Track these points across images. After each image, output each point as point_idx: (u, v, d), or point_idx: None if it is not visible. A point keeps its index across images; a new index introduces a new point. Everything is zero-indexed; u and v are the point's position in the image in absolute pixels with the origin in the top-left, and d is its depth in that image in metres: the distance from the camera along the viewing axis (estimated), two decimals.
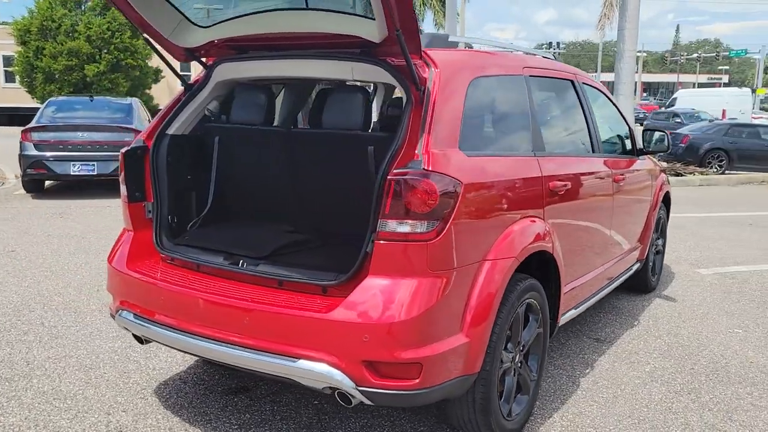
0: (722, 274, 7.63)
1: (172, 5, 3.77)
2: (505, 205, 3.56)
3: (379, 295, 3.05)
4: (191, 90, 4.06)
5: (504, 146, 3.97)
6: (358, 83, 3.92)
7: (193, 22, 3.90)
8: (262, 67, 3.88)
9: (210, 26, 3.91)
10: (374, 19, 3.27)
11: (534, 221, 3.76)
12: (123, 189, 3.97)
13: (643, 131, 6.07)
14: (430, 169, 3.02)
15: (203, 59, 4.12)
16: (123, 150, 3.96)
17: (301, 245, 3.81)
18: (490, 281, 3.30)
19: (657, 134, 5.98)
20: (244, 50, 3.96)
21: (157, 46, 3.93)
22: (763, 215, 12.10)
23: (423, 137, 3.11)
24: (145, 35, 3.83)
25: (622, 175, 5.36)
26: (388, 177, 2.98)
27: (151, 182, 3.91)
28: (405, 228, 3.02)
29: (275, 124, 4.12)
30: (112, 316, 3.96)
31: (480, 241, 3.32)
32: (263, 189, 4.19)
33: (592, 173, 4.80)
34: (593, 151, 5.05)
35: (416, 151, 3.08)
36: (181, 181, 4.07)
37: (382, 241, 3.05)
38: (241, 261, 3.57)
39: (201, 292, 3.46)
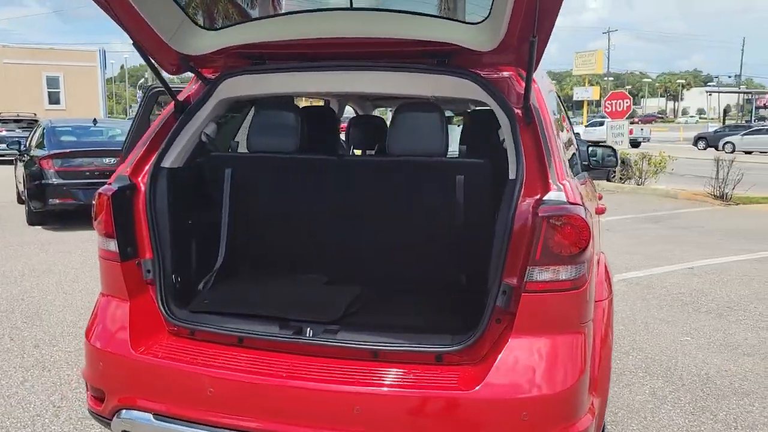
0: (626, 281, 8.03)
1: (175, 1, 2.90)
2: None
3: (535, 361, 2.53)
4: (187, 110, 3.16)
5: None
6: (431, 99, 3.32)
7: (197, 24, 3.04)
8: (296, 81, 3.12)
9: (222, 29, 3.07)
10: (474, 23, 2.75)
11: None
12: (106, 243, 2.96)
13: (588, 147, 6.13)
14: (574, 202, 2.57)
15: (199, 70, 3.25)
16: (104, 190, 2.95)
17: (375, 301, 3.11)
18: (607, 328, 2.93)
19: (602, 150, 6.05)
20: (261, 59, 3.17)
21: (150, 55, 3.00)
22: (609, 219, 13.20)
23: (553, 164, 2.65)
24: (134, 41, 2.88)
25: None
26: (541, 214, 2.47)
27: (148, 232, 2.96)
28: (557, 275, 2.53)
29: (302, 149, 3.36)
30: (100, 417, 2.91)
31: (595, 284, 2.93)
32: (297, 231, 3.40)
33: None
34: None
35: (549, 182, 2.60)
36: (183, 227, 3.15)
37: (530, 294, 2.52)
38: (306, 329, 2.80)
39: (269, 376, 2.63)
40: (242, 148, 3.41)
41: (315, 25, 2.96)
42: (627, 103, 20.77)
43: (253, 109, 3.67)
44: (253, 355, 2.76)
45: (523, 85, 2.93)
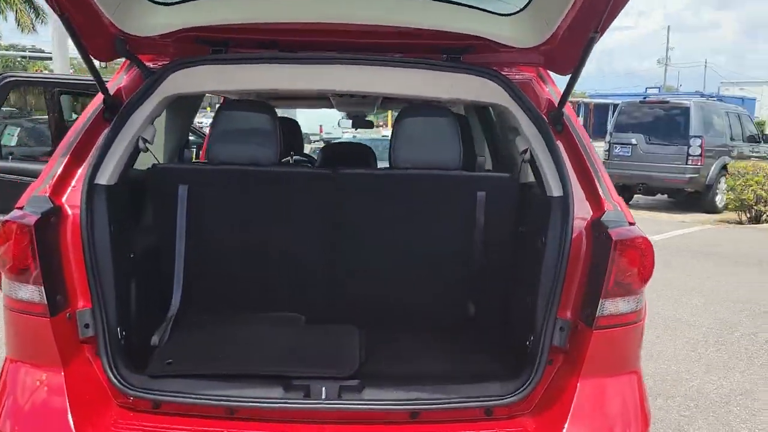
0: None
1: None
2: None
3: (610, 408, 2.20)
4: (122, 110, 2.40)
5: None
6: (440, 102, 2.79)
7: None
8: (271, 76, 2.48)
9: (177, 3, 2.37)
10: (506, 15, 2.37)
11: None
12: (22, 290, 2.14)
13: None
14: (633, 222, 2.27)
15: (136, 56, 2.50)
16: (18, 217, 2.12)
17: (388, 345, 2.56)
18: None
19: None
20: (221, 45, 2.51)
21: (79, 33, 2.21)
22: None
23: (602, 178, 2.33)
24: (63, 12, 2.10)
25: None
26: (615, 238, 2.12)
27: (84, 272, 2.18)
28: (625, 307, 2.20)
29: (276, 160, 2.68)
30: None
31: None
32: (275, 261, 2.72)
33: None
34: None
35: (602, 198, 2.27)
36: (127, 263, 2.38)
37: (601, 330, 2.16)
38: (317, 388, 2.20)
39: None
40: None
41: (298, 6, 2.38)
42: None
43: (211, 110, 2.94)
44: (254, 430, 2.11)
45: (546, 89, 2.60)
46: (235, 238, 2.62)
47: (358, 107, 5.10)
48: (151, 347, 2.38)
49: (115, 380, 2.15)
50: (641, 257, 2.15)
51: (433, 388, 2.21)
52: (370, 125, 7.46)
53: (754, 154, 15.11)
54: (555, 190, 2.34)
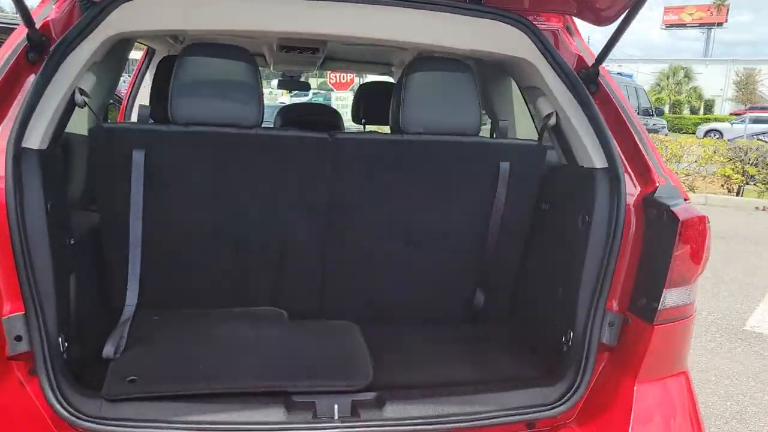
0: None
1: None
2: None
3: (669, 415, 1.90)
4: (54, 50, 1.82)
5: None
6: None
7: None
8: (252, 12, 1.95)
9: None
10: None
11: None
12: None
13: None
14: (687, 198, 1.97)
15: None
16: None
17: (394, 344, 2.14)
18: None
19: None
20: None
21: None
22: None
23: (648, 147, 2.02)
24: None
25: None
26: (681, 218, 1.80)
27: (17, 268, 1.62)
28: (683, 298, 1.91)
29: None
30: None
31: None
32: (253, 246, 2.20)
33: None
34: None
35: (652, 170, 1.96)
36: (65, 251, 1.82)
37: (662, 325, 1.86)
38: (326, 406, 1.76)
39: None
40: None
41: None
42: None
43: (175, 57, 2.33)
44: None
45: (573, 43, 2.24)
46: (206, 218, 2.09)
47: (300, 65, 4.54)
48: (104, 360, 1.83)
49: (59, 407, 1.61)
50: (703, 240, 1.86)
51: (463, 399, 1.83)
52: (307, 87, 6.88)
53: (647, 127, 15.72)
54: (597, 161, 2.01)
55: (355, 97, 4.44)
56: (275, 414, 1.71)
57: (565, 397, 1.86)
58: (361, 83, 4.94)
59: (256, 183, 2.05)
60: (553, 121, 2.18)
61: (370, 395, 1.80)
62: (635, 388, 1.86)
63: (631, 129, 2.02)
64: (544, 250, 2.27)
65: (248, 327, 2.10)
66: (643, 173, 1.97)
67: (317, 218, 2.16)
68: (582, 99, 2.05)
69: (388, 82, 4.99)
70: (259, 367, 1.85)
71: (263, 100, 2.02)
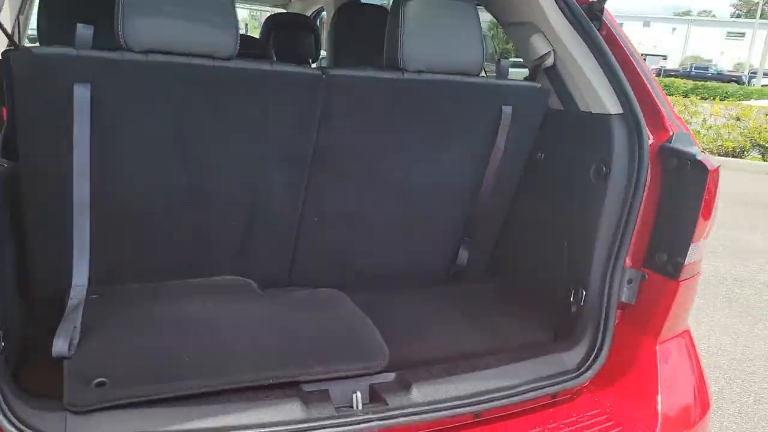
0: None
1: None
2: None
3: (688, 374, 1.83)
4: None
5: None
6: None
7: None
8: None
9: None
10: None
11: None
12: None
13: None
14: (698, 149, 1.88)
15: None
16: None
17: (393, 312, 1.87)
18: None
19: None
20: None
21: None
22: None
23: (658, 93, 1.89)
24: None
25: None
26: (710, 167, 1.70)
27: None
28: (699, 253, 1.82)
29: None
30: None
31: None
32: (223, 204, 1.80)
33: None
34: None
35: (665, 117, 1.85)
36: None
37: (686, 281, 1.77)
38: (343, 393, 1.49)
39: None
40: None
41: None
42: None
43: None
44: None
45: None
46: (166, 171, 1.68)
47: None
48: (55, 359, 1.42)
49: (9, 427, 1.22)
50: (716, 191, 1.77)
51: (489, 373, 1.63)
52: None
53: None
54: (610, 106, 1.84)
55: (262, 31, 4.01)
56: (289, 410, 1.41)
57: (588, 363, 1.73)
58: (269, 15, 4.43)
59: (229, 129, 1.68)
60: (550, 61, 1.99)
61: (389, 377, 1.55)
62: (657, 348, 1.77)
63: (640, 72, 1.88)
64: (540, 202, 2.10)
65: (223, 303, 1.75)
66: (656, 120, 1.84)
67: (297, 171, 1.83)
68: (591, 37, 1.87)
69: (300, 15, 4.58)
70: (256, 354, 1.53)
71: (237, 24, 1.63)
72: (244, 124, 1.69)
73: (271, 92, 1.65)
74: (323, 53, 4.21)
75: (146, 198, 1.71)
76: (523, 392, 1.60)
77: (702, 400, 1.80)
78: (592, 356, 1.74)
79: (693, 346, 1.89)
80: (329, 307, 1.80)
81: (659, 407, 1.68)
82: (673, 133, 1.80)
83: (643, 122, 1.77)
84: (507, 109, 1.92)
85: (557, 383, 1.66)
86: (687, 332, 1.91)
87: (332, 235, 2.01)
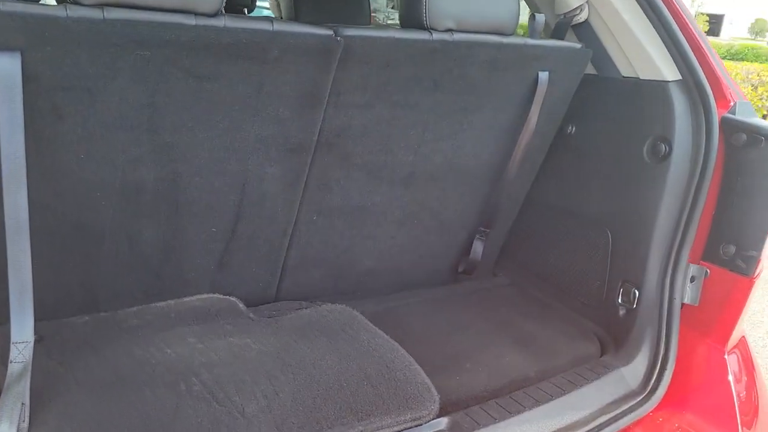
0: None
1: None
2: None
3: (751, 391, 1.60)
4: None
5: None
6: None
7: None
8: None
9: None
10: None
11: None
12: None
13: None
14: None
15: None
16: None
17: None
18: None
19: None
20: None
21: None
22: None
23: (715, 56, 1.62)
24: None
25: None
26: None
27: None
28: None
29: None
30: None
31: None
32: (199, 207, 1.37)
33: None
34: None
35: (725, 85, 1.58)
36: None
37: (757, 277, 1.53)
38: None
39: None
40: None
41: None
42: None
43: None
44: None
45: None
46: (130, 170, 1.24)
47: None
48: None
49: None
50: None
51: (553, 406, 1.34)
52: None
53: None
54: (667, 71, 1.55)
55: None
56: None
57: (654, 378, 1.47)
58: None
59: (213, 111, 1.26)
60: (583, 15, 1.68)
61: (441, 424, 1.23)
62: (726, 357, 1.53)
63: (695, 32, 1.59)
64: (571, 185, 1.80)
65: (209, 336, 1.35)
66: (714, 87, 1.56)
67: (298, 161, 1.43)
68: None
69: None
70: (273, 413, 1.15)
71: None
72: (233, 105, 1.27)
73: (270, 61, 1.24)
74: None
75: (102, 206, 1.27)
76: (600, 427, 1.32)
77: None
78: (657, 369, 1.49)
79: (751, 352, 1.68)
80: (344, 331, 1.44)
81: (739, 428, 1.45)
82: (734, 103, 1.54)
83: (709, 90, 1.50)
84: (543, 76, 1.59)
85: (629, 410, 1.39)
86: (744, 338, 1.69)
87: (332, 236, 1.64)
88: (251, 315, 1.50)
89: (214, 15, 1.16)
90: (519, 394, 1.36)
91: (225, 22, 1.16)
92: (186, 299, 1.50)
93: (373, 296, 1.75)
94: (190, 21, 1.13)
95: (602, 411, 1.36)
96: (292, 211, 1.52)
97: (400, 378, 1.28)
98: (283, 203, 1.49)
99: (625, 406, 1.39)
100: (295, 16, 2.37)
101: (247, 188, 1.42)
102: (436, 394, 1.26)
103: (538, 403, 1.33)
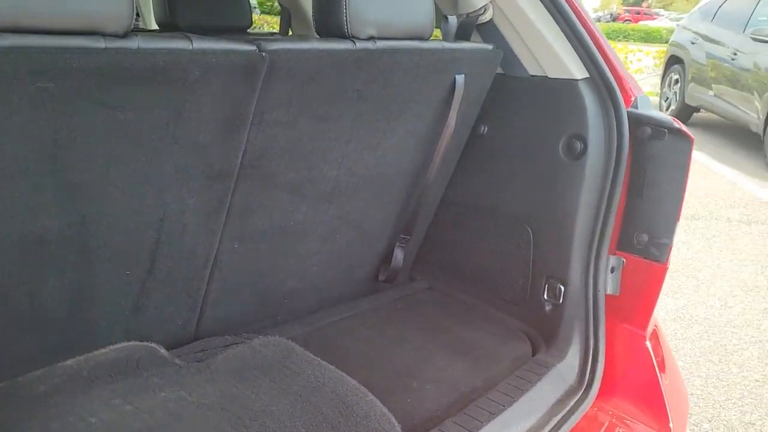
0: None
1: None
2: None
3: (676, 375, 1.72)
4: None
5: None
6: None
7: None
8: None
9: None
10: None
11: None
12: None
13: None
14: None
15: None
16: None
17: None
18: None
19: None
20: None
21: None
22: None
23: (614, 54, 1.69)
24: None
25: None
26: (692, 139, 1.55)
27: None
28: None
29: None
30: None
31: None
32: (110, 251, 1.17)
33: None
34: None
35: (625, 80, 1.66)
36: None
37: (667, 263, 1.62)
38: None
39: None
40: None
41: None
42: None
43: None
44: None
45: None
46: (33, 217, 1.04)
47: None
48: None
49: None
50: None
51: (508, 416, 1.34)
52: None
53: None
54: (575, 69, 1.59)
55: None
56: None
57: (588, 372, 1.52)
58: None
59: (126, 142, 1.09)
60: (488, 15, 1.68)
61: None
62: (648, 343, 1.61)
63: (595, 31, 1.64)
64: (486, 184, 1.81)
65: (136, 395, 1.19)
66: (619, 84, 1.63)
67: (220, 188, 1.29)
68: None
69: None
70: None
71: None
72: (149, 134, 1.12)
73: (190, 83, 1.10)
74: None
75: None
76: (555, 429, 1.34)
77: (684, 396, 1.71)
78: (590, 362, 1.54)
79: (660, 332, 1.79)
80: (286, 366, 1.34)
81: (668, 412, 1.54)
82: (636, 97, 1.61)
83: (616, 87, 1.56)
84: (460, 78, 1.57)
85: (575, 407, 1.42)
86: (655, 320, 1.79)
87: (254, 262, 1.52)
88: (177, 361, 1.35)
89: (125, 35, 1.00)
90: (472, 408, 1.34)
91: (138, 43, 1.01)
92: (98, 352, 1.33)
93: (297, 318, 1.66)
94: (99, 44, 0.96)
95: (551, 413, 1.38)
96: (213, 242, 1.39)
97: (359, 413, 1.21)
98: (204, 235, 1.35)
99: (570, 403, 1.42)
100: (170, 18, 2.17)
101: (165, 223, 1.27)
102: (396, 424, 1.21)
103: (492, 415, 1.32)
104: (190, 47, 1.06)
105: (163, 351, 1.38)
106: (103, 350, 1.33)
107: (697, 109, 8.64)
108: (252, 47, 1.15)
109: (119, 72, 1.01)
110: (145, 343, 1.38)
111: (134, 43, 1.00)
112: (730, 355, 3.18)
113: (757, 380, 3.00)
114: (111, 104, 1.04)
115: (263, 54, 1.16)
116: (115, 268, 1.26)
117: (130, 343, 1.37)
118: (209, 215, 1.33)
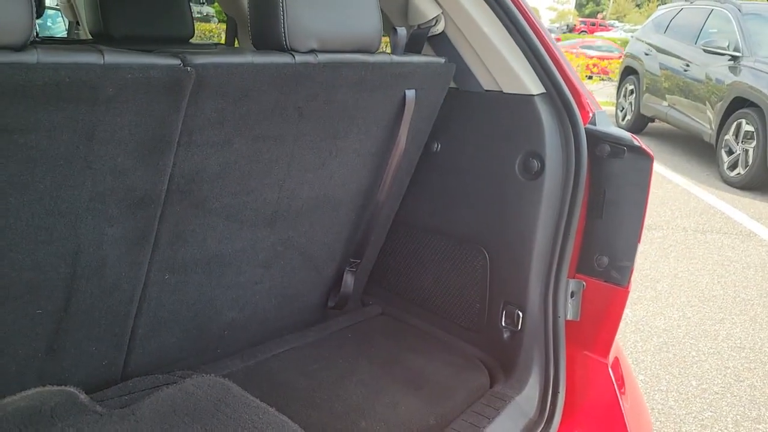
0: None
1: None
2: None
3: (640, 404, 1.64)
4: None
5: None
6: None
7: None
8: None
9: None
10: None
11: None
12: None
13: None
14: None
15: None
16: None
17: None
18: None
19: None
20: None
21: None
22: None
23: (571, 68, 1.62)
24: None
25: None
26: (652, 155, 1.48)
27: None
28: None
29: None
30: None
31: None
32: (18, 290, 1.02)
33: None
34: None
35: (582, 95, 1.59)
36: None
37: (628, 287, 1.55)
38: None
39: None
40: None
41: None
42: None
43: None
44: None
45: None
46: None
47: None
48: None
49: None
50: None
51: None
52: None
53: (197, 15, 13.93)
54: (531, 84, 1.51)
55: None
56: None
57: (549, 403, 1.43)
58: None
59: (29, 169, 0.97)
60: (440, 26, 1.59)
61: None
62: (610, 371, 1.54)
63: (552, 45, 1.57)
64: (438, 205, 1.71)
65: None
66: (576, 99, 1.56)
67: (145, 216, 1.17)
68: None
69: None
70: None
71: None
72: (56, 159, 0.99)
73: (102, 102, 0.98)
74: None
75: None
76: None
77: (648, 420, 1.64)
78: (551, 393, 1.45)
79: (623, 355, 1.72)
80: (220, 410, 1.22)
81: None
82: (594, 113, 1.55)
83: (574, 102, 1.48)
84: (410, 94, 1.48)
85: None
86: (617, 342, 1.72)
87: (188, 293, 1.39)
88: (98, 407, 1.22)
89: (22, 48, 0.88)
90: None
91: (38, 56, 0.89)
92: (6, 400, 1.18)
93: (238, 351, 1.53)
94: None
95: None
96: (140, 274, 1.26)
97: None
98: (128, 267, 1.22)
99: None
100: (103, 28, 2.03)
101: (80, 256, 1.14)
102: None
103: None
104: (101, 61, 0.94)
105: (82, 396, 1.24)
106: (13, 398, 1.19)
107: (651, 119, 8.81)
108: (176, 61, 1.04)
109: (16, 90, 0.88)
110: (62, 388, 1.24)
111: (33, 56, 0.88)
112: (689, 368, 3.18)
113: (716, 393, 2.99)
114: (8, 127, 0.91)
115: (188, 69, 1.05)
116: (23, 308, 1.12)
117: (45, 388, 1.23)
118: (132, 245, 1.20)
